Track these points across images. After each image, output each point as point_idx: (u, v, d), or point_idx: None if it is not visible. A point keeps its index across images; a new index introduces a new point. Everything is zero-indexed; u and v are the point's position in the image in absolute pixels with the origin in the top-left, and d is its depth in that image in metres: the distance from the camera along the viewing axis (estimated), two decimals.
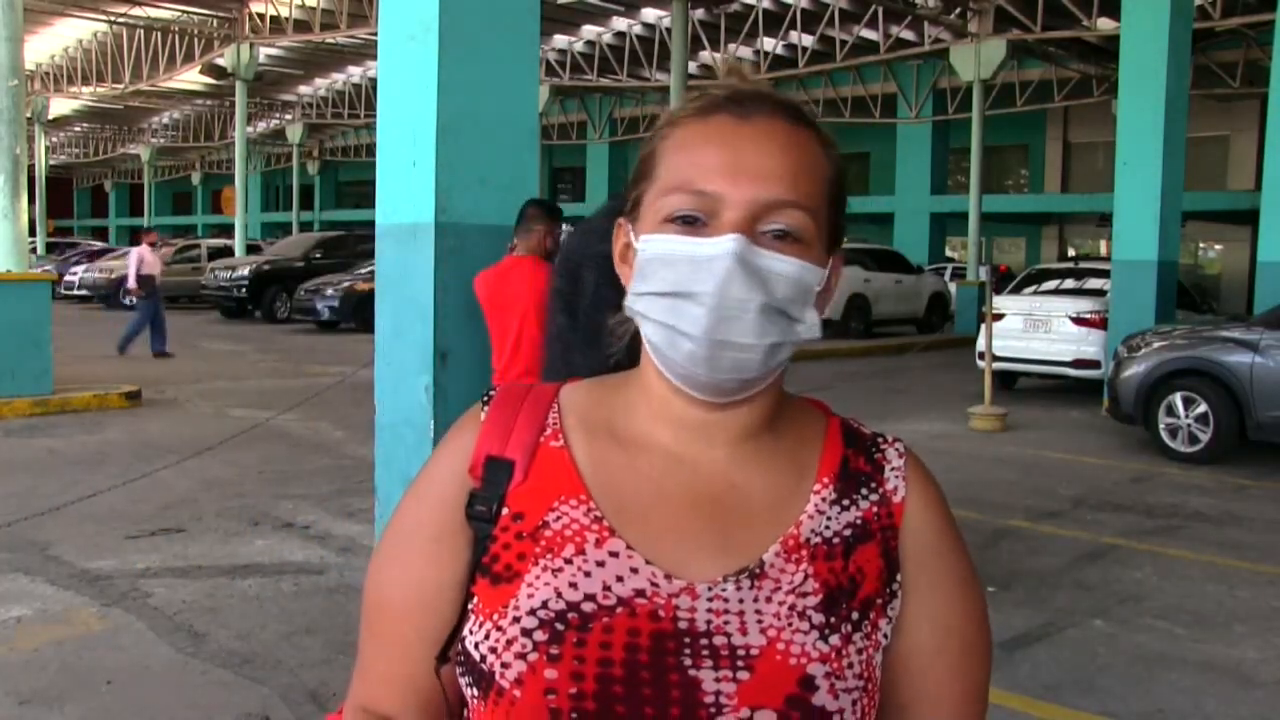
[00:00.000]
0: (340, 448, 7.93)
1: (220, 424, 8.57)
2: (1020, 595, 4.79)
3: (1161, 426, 8.30)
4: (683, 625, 0.77)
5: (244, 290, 20.67)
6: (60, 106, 36.18)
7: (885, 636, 0.83)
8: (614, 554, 0.80)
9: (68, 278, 25.05)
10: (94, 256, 29.27)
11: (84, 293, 24.93)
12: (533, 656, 0.76)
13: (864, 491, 0.86)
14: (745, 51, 23.62)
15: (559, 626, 0.77)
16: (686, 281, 0.78)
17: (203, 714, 3.41)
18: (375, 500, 4.84)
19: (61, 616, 4.24)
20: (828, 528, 0.84)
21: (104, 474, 6.62)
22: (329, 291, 18.65)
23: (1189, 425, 8.14)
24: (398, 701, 0.86)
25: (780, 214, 0.79)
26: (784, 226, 0.79)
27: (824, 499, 0.85)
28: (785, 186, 0.79)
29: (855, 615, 0.81)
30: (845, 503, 0.85)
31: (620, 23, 23.91)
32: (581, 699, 0.75)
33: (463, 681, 0.82)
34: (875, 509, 0.86)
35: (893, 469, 0.88)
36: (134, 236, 15.69)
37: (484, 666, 0.78)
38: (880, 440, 0.90)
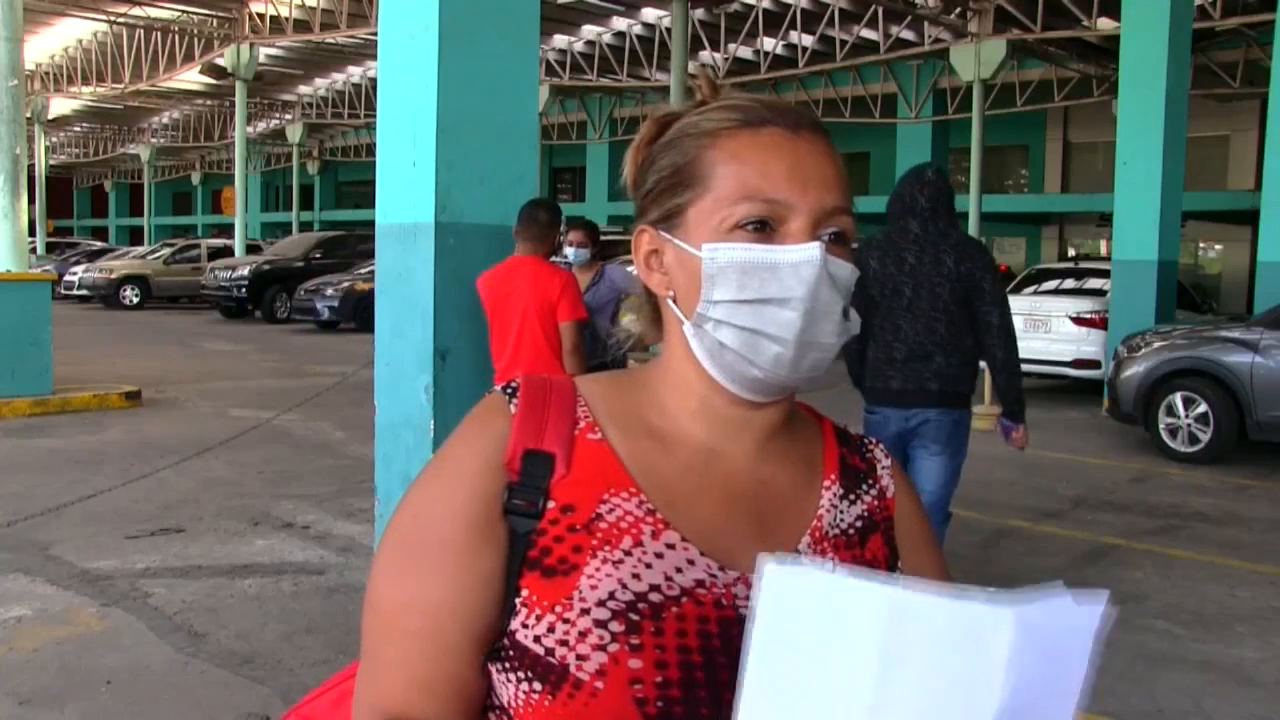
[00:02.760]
0: (340, 448, 7.94)
1: (220, 424, 8.57)
2: None
3: (1161, 426, 8.29)
4: (743, 613, 0.79)
5: (244, 290, 20.65)
6: (60, 106, 36.12)
7: None
8: (671, 546, 0.82)
9: (68, 278, 25.03)
10: (94, 256, 29.29)
11: (84, 293, 24.92)
12: (613, 647, 0.76)
13: (864, 487, 0.94)
14: (745, 51, 23.59)
15: (633, 616, 0.78)
16: (772, 288, 0.81)
17: (203, 714, 3.42)
18: (375, 500, 4.84)
19: (61, 616, 4.24)
20: (842, 520, 0.91)
21: (104, 474, 6.63)
22: (329, 291, 18.64)
23: (1189, 425, 8.14)
24: (434, 703, 0.82)
25: (835, 219, 0.84)
26: (840, 230, 0.84)
27: (834, 494, 0.92)
28: (840, 193, 0.85)
29: None
30: (851, 497, 0.93)
31: (620, 23, 23.85)
32: (667, 687, 0.76)
33: (512, 678, 0.80)
34: (875, 503, 0.94)
35: (883, 468, 0.97)
36: None
37: (552, 660, 0.77)
38: (867, 442, 0.99)
